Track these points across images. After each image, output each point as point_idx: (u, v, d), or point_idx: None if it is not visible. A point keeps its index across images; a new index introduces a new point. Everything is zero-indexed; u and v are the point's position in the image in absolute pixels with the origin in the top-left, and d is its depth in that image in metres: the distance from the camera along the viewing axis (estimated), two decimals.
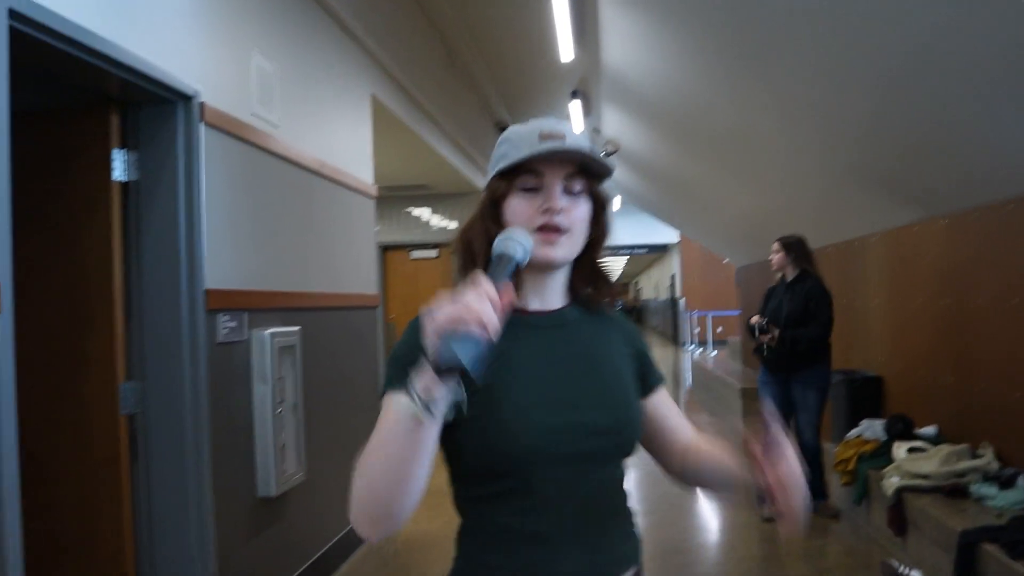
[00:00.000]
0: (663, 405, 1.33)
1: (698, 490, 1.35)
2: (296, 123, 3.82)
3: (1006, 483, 3.58)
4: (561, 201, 1.16)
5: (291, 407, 3.55)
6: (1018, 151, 3.49)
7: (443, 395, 0.97)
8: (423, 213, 9.60)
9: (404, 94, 5.85)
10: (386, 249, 9.57)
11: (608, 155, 10.10)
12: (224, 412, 3.08)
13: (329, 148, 4.25)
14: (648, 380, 1.31)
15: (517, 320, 1.17)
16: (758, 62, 4.79)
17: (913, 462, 4.08)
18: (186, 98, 2.85)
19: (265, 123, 3.48)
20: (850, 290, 6.18)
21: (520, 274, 1.17)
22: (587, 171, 1.19)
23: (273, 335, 3.37)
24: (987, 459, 3.84)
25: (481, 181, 9.22)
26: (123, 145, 2.81)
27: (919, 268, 4.92)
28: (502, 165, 1.18)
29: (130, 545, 2.77)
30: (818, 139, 5.17)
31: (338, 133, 4.43)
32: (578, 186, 1.18)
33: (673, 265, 23.54)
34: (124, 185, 2.81)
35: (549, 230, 1.15)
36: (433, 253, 9.59)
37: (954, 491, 3.72)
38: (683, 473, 1.32)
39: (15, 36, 2.07)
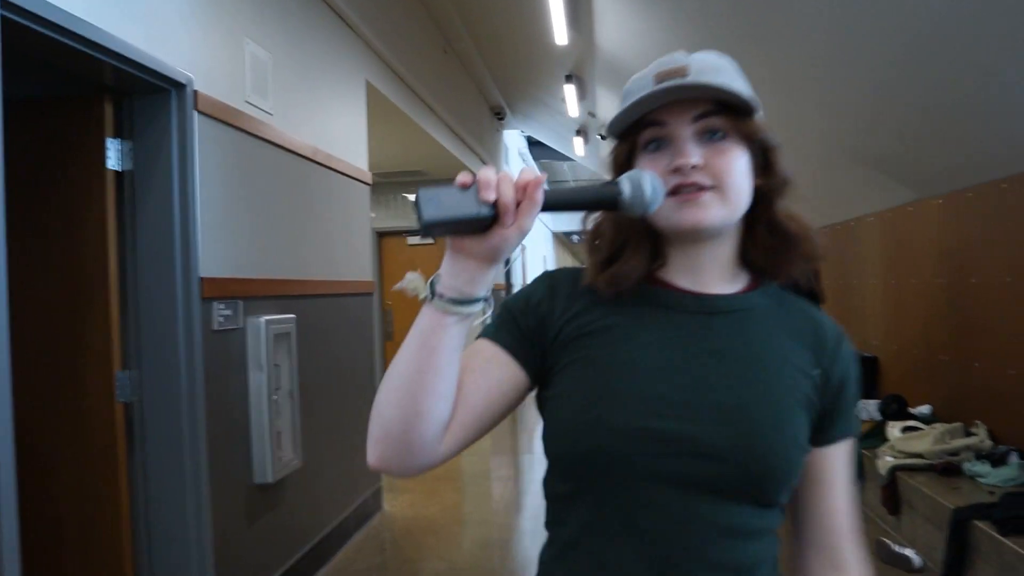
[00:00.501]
0: (829, 467, 0.98)
1: None
2: (290, 110, 3.82)
3: (998, 461, 3.62)
4: (693, 154, 0.89)
5: (287, 394, 3.56)
6: (1012, 133, 3.50)
7: (455, 275, 0.84)
8: None
9: (399, 80, 5.83)
10: (382, 235, 9.57)
11: (603, 139, 10.09)
12: (220, 400, 3.09)
13: (324, 135, 4.25)
14: (828, 425, 0.96)
15: (654, 295, 0.96)
16: (758, 42, 4.78)
17: (907, 441, 4.12)
18: (179, 86, 2.85)
19: (259, 111, 3.47)
20: (847, 271, 6.20)
21: (663, 242, 0.97)
22: (731, 107, 0.92)
23: (268, 322, 3.38)
24: (980, 437, 3.87)
25: (476, 165, 9.21)
26: (117, 134, 2.81)
27: (915, 248, 4.93)
28: (617, 124, 0.94)
29: (127, 532, 2.79)
30: (818, 120, 5.16)
31: (333, 120, 4.43)
32: (719, 128, 0.91)
33: None
34: (118, 174, 2.81)
35: (686, 190, 0.90)
36: (429, 239, 9.58)
37: (947, 469, 3.76)
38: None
39: (7, 25, 2.07)
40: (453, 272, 0.84)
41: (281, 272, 3.65)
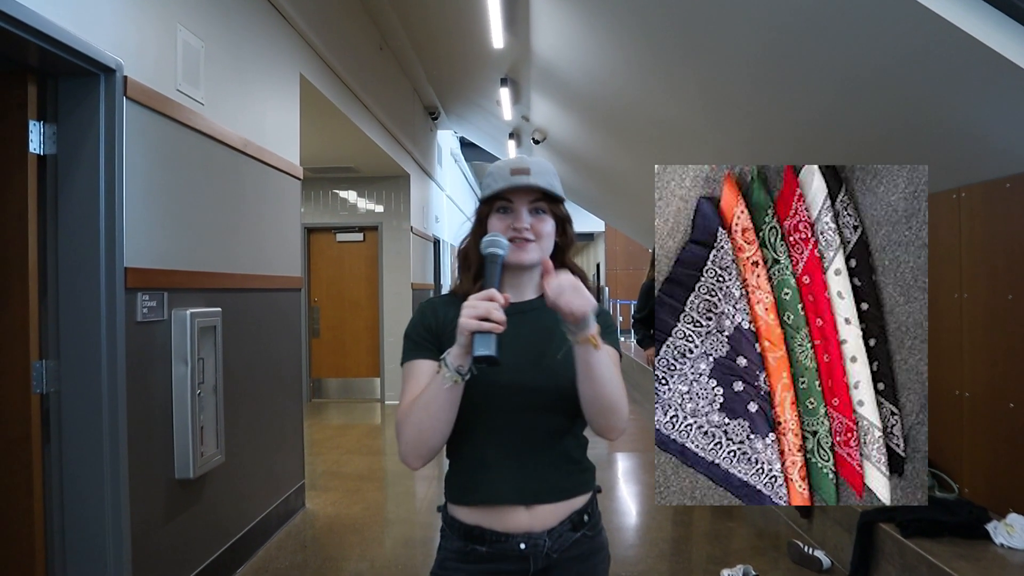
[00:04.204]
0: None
1: (599, 414, 1.51)
2: (222, 101, 3.76)
3: None
4: (526, 220, 1.53)
5: (211, 388, 3.51)
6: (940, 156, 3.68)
7: (470, 364, 1.39)
8: (350, 196, 9.51)
9: (333, 75, 5.79)
10: (311, 231, 9.46)
11: (536, 143, 10.17)
12: (142, 393, 3.03)
13: (255, 127, 4.19)
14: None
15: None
16: (691, 57, 4.89)
17: None
18: (109, 71, 2.78)
19: (190, 100, 3.41)
20: None
21: (502, 271, 1.52)
22: (550, 196, 1.55)
23: (194, 315, 3.32)
24: None
25: (409, 164, 9.21)
26: (40, 117, 2.73)
27: None
28: (485, 194, 1.56)
29: (40, 526, 2.71)
30: (742, 130, 5.31)
31: (265, 112, 4.37)
32: (542, 208, 1.55)
33: (599, 254, 23.82)
34: (41, 158, 2.73)
35: (519, 240, 1.53)
36: (359, 236, 9.51)
37: None
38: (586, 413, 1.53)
39: None
40: (465, 358, 1.40)
41: (208, 265, 3.59)
